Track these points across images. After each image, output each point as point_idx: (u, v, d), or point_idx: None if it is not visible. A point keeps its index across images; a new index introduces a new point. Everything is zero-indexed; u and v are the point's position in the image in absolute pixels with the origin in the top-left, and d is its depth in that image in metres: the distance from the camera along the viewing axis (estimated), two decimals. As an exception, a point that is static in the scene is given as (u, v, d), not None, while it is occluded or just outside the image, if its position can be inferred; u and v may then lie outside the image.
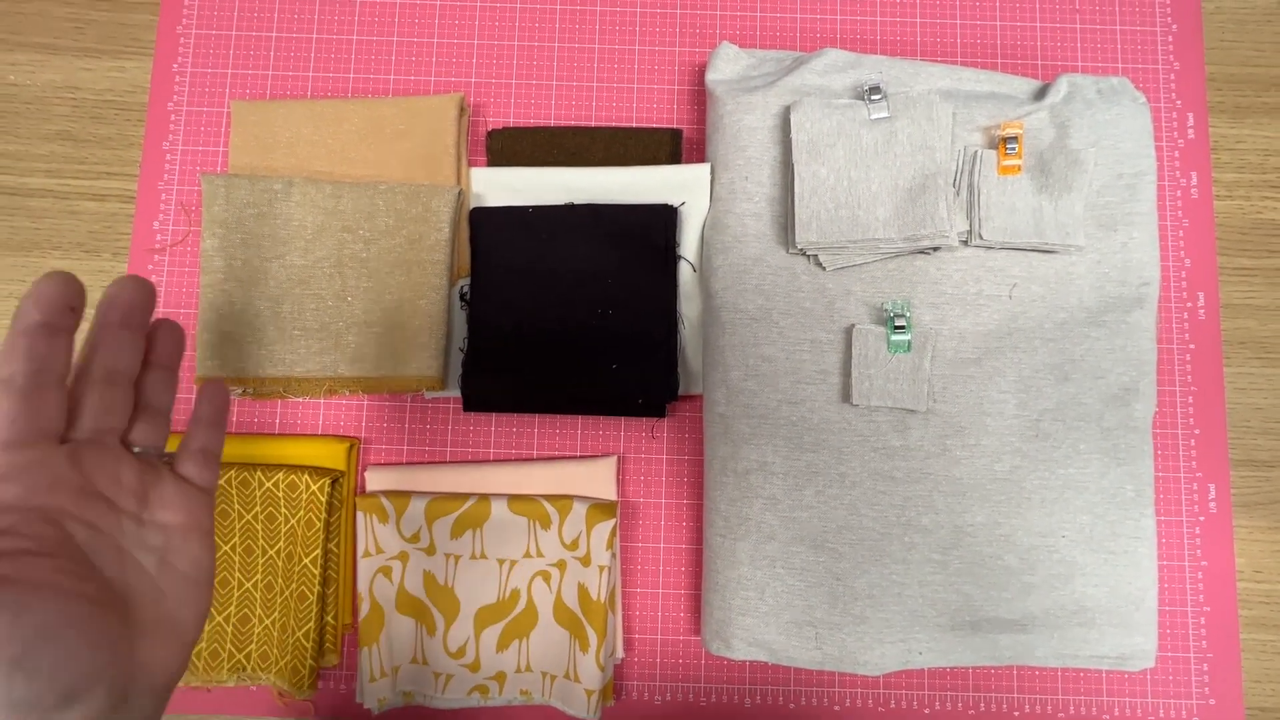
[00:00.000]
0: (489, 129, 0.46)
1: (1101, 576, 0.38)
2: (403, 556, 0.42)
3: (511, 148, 0.46)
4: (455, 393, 0.44)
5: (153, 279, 0.46)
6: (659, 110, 0.47)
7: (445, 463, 0.44)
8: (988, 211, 0.40)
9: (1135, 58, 0.48)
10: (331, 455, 0.43)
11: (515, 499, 0.42)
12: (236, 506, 0.42)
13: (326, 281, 0.44)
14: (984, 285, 0.40)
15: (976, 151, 0.40)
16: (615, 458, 0.44)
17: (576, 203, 0.44)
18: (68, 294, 0.21)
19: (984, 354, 0.40)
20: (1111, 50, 0.48)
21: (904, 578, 0.38)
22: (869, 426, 0.39)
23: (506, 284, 0.44)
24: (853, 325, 0.40)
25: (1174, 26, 0.48)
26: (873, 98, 0.41)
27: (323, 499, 0.41)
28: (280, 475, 0.41)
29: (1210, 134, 0.47)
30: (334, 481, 0.42)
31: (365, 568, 0.41)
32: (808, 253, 0.41)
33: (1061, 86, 0.42)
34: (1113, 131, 0.41)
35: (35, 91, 0.48)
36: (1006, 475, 0.39)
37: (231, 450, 0.43)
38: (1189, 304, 0.45)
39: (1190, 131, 0.47)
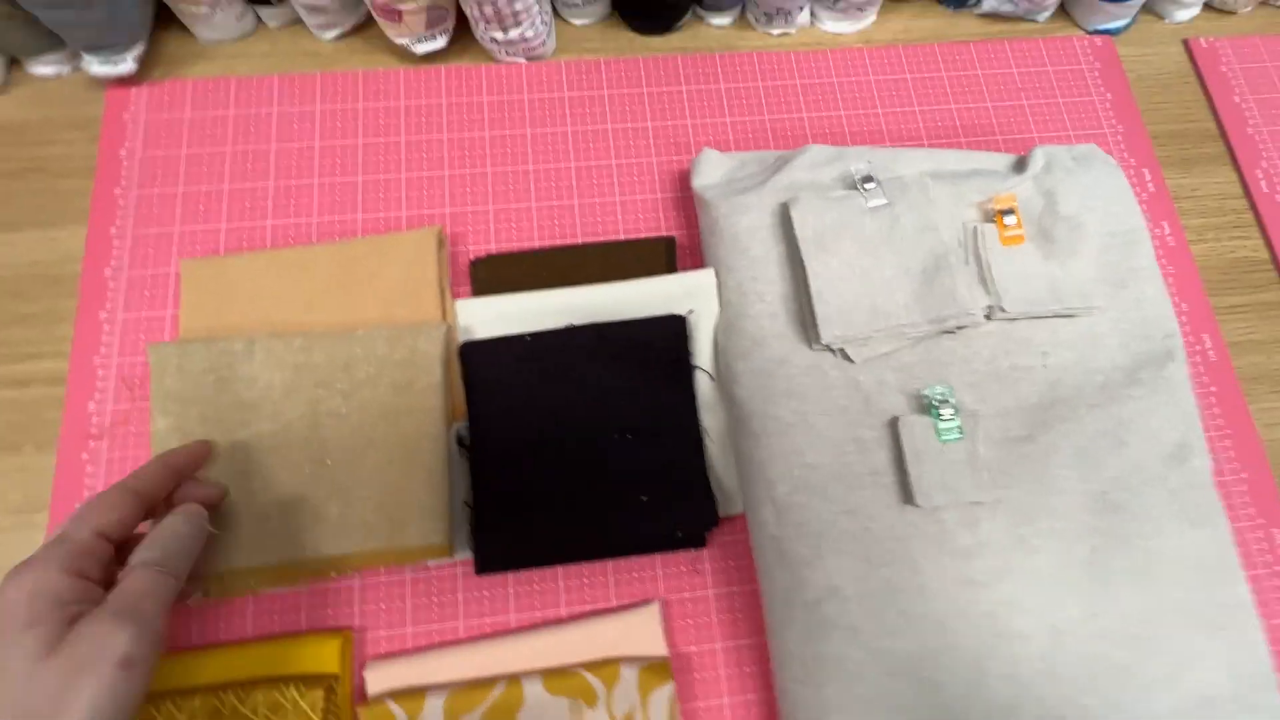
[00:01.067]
0: (471, 258, 0.42)
1: (1216, 657, 0.33)
2: (422, 779, 0.33)
3: (498, 275, 0.41)
4: (464, 555, 0.37)
5: (88, 470, 0.37)
6: (645, 220, 0.44)
7: (460, 642, 0.36)
8: (1004, 284, 0.38)
9: (1082, 124, 0.49)
10: (320, 655, 0.34)
11: (551, 675, 0.34)
12: None
13: (301, 447, 0.37)
14: (1016, 358, 0.37)
15: (976, 227, 0.39)
16: (657, 604, 0.37)
17: (576, 324, 0.39)
18: (198, 463, 0.35)
19: (1034, 429, 0.36)
20: (1059, 120, 0.49)
21: (1017, 698, 0.32)
22: (936, 527, 0.34)
23: (509, 422, 0.38)
24: (896, 418, 0.35)
25: (1108, 95, 0.50)
26: (866, 186, 0.39)
27: (316, 718, 0.32)
28: (259, 695, 0.32)
29: (1168, 185, 0.47)
30: (328, 691, 0.33)
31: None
32: (832, 347, 0.37)
33: (1039, 158, 0.41)
34: (1099, 193, 0.40)
35: None
36: (1089, 558, 0.34)
37: (193, 672, 0.34)
38: (1197, 347, 0.44)
39: (1150, 185, 0.48)
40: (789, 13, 0.48)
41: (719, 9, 0.49)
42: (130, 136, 0.44)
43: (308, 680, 0.33)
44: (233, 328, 0.39)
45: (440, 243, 0.42)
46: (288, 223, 0.43)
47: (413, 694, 0.33)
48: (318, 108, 0.45)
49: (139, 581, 0.26)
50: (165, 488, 0.31)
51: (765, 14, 0.49)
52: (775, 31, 0.50)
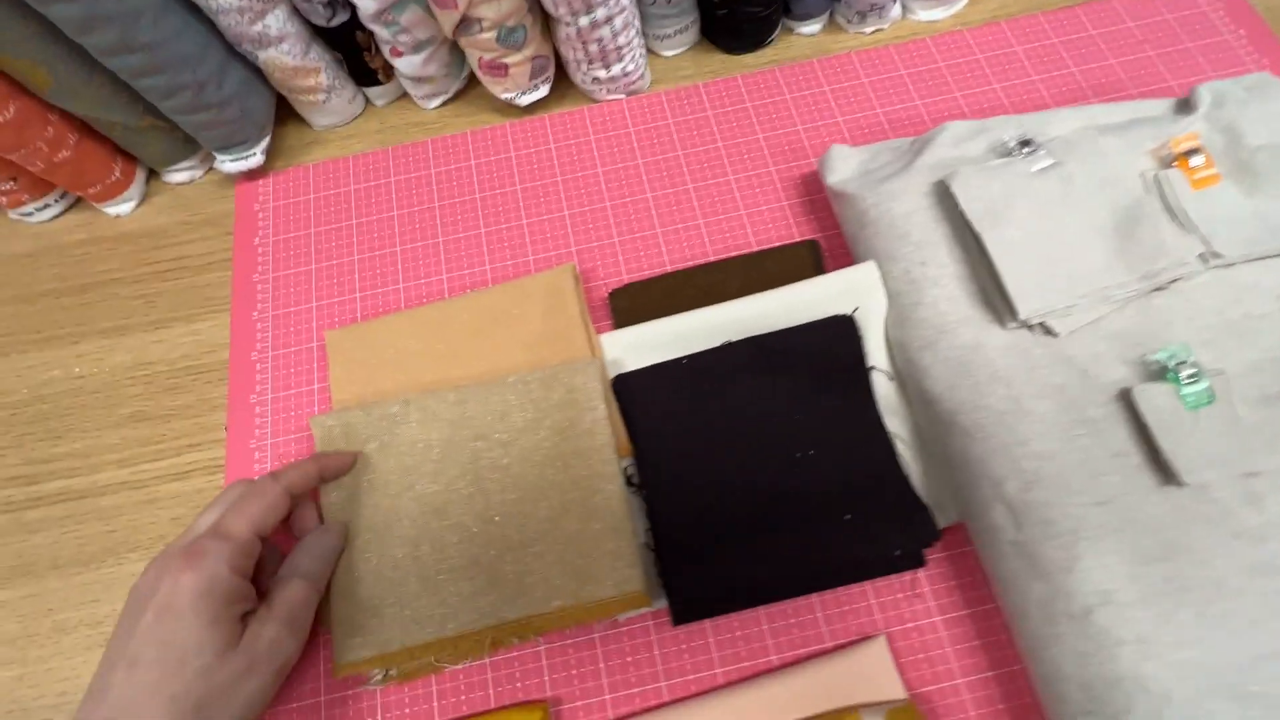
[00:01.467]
0: (608, 291, 0.39)
1: None
2: None
3: (639, 303, 0.39)
4: (651, 606, 0.33)
5: None
6: (775, 229, 0.42)
7: (671, 705, 0.31)
8: (1209, 228, 0.33)
9: (1222, 64, 0.45)
10: None
11: None
12: None
13: (466, 504, 0.34)
14: (1247, 305, 0.32)
15: (1158, 174, 0.34)
16: (884, 638, 0.32)
17: (733, 340, 0.36)
18: (344, 471, 0.35)
19: None
20: (1195, 64, 0.45)
21: None
22: (1213, 508, 0.28)
23: (679, 453, 0.35)
24: (1128, 390, 0.30)
25: (1241, 32, 0.46)
26: (1026, 151, 0.35)
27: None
28: None
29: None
30: None
31: None
32: (1030, 323, 0.32)
33: (1204, 95, 0.37)
34: (1290, 118, 0.35)
35: (102, 379, 0.40)
36: None
37: None
38: None
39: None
40: (881, 7, 0.47)
41: (808, 16, 0.48)
42: (261, 225, 0.44)
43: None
44: (382, 392, 0.38)
45: (576, 279, 0.40)
46: (418, 284, 0.42)
47: (635, 770, 0.29)
48: (432, 171, 0.45)
49: (300, 594, 0.29)
50: (309, 490, 0.33)
51: (858, 13, 0.47)
52: (869, 29, 0.48)
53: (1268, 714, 0.26)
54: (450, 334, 0.39)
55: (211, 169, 0.47)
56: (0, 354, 0.42)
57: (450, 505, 0.35)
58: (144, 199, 0.46)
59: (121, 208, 0.45)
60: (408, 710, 0.33)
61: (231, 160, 0.44)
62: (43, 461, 0.39)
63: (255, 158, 0.44)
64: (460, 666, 0.33)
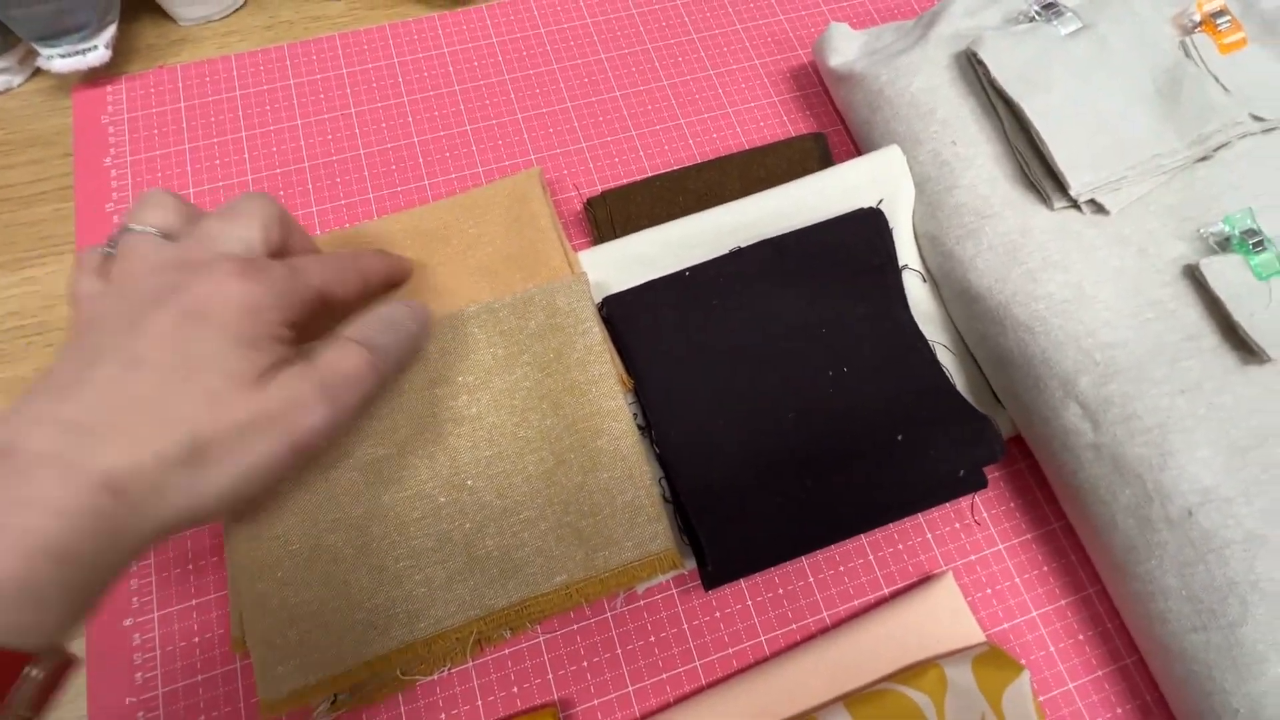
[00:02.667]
0: (585, 200, 0.32)
1: None
2: None
3: (622, 212, 0.32)
4: (680, 569, 0.26)
5: (131, 580, 0.25)
6: (768, 127, 0.35)
7: (711, 688, 0.25)
8: (1245, 92, 0.30)
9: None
10: None
11: (856, 702, 0.23)
12: None
13: (428, 468, 0.26)
14: (1290, 172, 0.29)
15: (1184, 40, 0.31)
16: (949, 573, 0.26)
17: (742, 246, 0.30)
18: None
19: None
20: None
21: None
22: None
23: (689, 382, 0.28)
24: (1194, 266, 0.26)
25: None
26: (1053, 13, 0.31)
27: None
28: None
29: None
30: None
31: None
32: (1081, 201, 0.28)
33: None
34: (1300, -20, 0.32)
35: None
36: None
37: None
38: None
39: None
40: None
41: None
42: (114, 142, 0.33)
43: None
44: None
45: (543, 186, 0.32)
46: (337, 205, 0.33)
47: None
48: (344, 71, 0.36)
49: (350, 363, 0.21)
50: (368, 292, 0.25)
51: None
52: (843, -85, 0.42)
53: None
54: (386, 260, 0.30)
55: (37, 71, 0.34)
56: None
57: (406, 473, 0.26)
58: (-64, 113, 0.34)
59: (-98, 124, 0.33)
60: (370, 741, 0.24)
61: (62, 56, 0.32)
62: None
63: (96, 52, 0.33)
64: (436, 677, 0.25)
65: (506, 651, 0.26)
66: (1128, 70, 0.30)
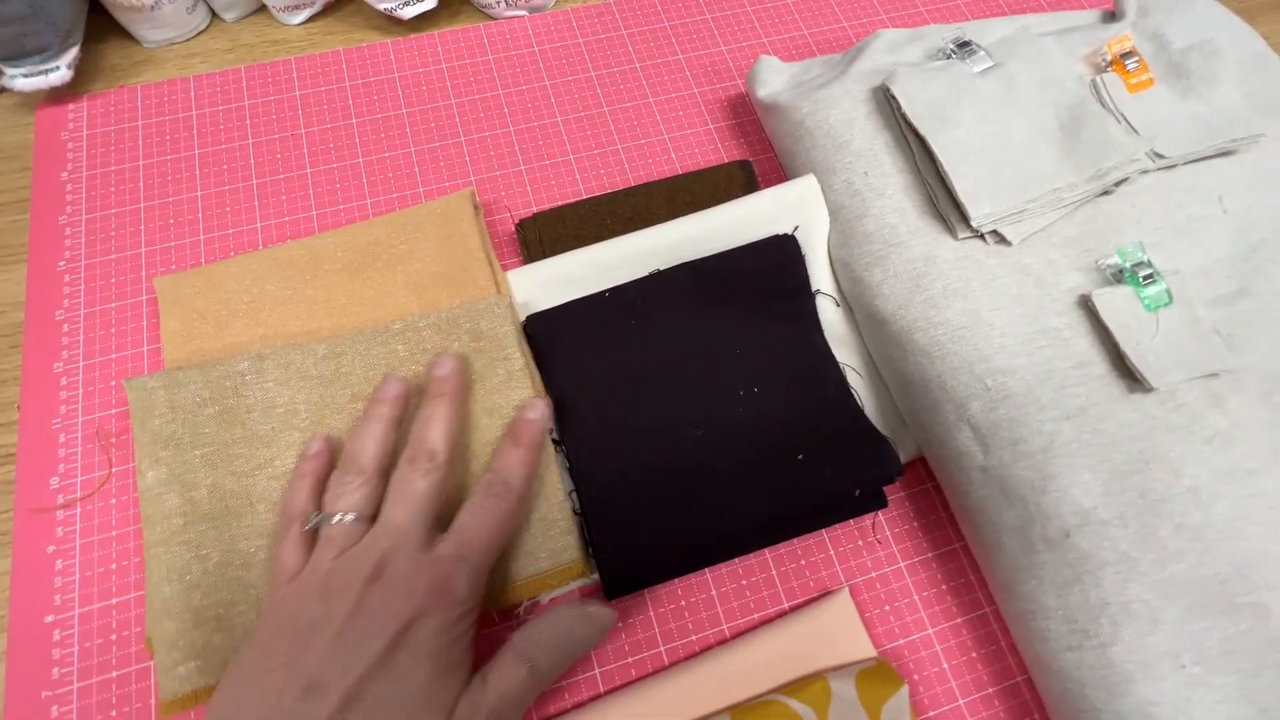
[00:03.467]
0: (516, 221, 0.33)
1: None
2: None
3: (551, 233, 0.33)
4: (581, 581, 0.27)
5: (57, 567, 0.27)
6: (702, 154, 0.37)
7: (607, 696, 0.25)
8: (1148, 130, 0.31)
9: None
10: None
11: (742, 713, 0.24)
12: None
13: (345, 478, 0.27)
14: (1189, 208, 0.30)
15: (1094, 79, 0.32)
16: (845, 590, 0.27)
17: (661, 269, 0.31)
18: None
19: (1244, 281, 0.29)
20: None
21: None
22: (1181, 414, 0.26)
23: (603, 400, 0.29)
24: (1087, 296, 0.28)
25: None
26: (967, 52, 0.32)
27: None
28: None
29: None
30: None
31: None
32: (983, 231, 0.29)
33: (1130, 5, 0.36)
34: (1210, 24, 0.34)
35: None
36: None
37: None
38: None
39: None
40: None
41: (727, -68, 0.43)
42: (71, 157, 0.35)
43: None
44: (234, 349, 0.30)
45: (476, 206, 0.33)
46: (280, 222, 0.34)
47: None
48: (297, 94, 0.38)
49: (516, 689, 0.23)
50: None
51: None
52: (789, -50, 0.44)
53: (1258, 624, 0.23)
54: (322, 276, 0.31)
55: (2, 90, 0.36)
56: None
57: (324, 481, 0.27)
58: (-96, 127, 0.36)
59: None
60: (273, 741, 0.25)
61: (25, 75, 0.34)
62: None
63: (58, 72, 0.34)
64: (342, 678, 0.26)
65: (412, 656, 0.27)
66: (1033, 107, 0.32)
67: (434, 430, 0.25)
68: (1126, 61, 0.33)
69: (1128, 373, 0.27)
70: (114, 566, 0.28)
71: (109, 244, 0.34)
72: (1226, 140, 0.31)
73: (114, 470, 0.29)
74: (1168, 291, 0.28)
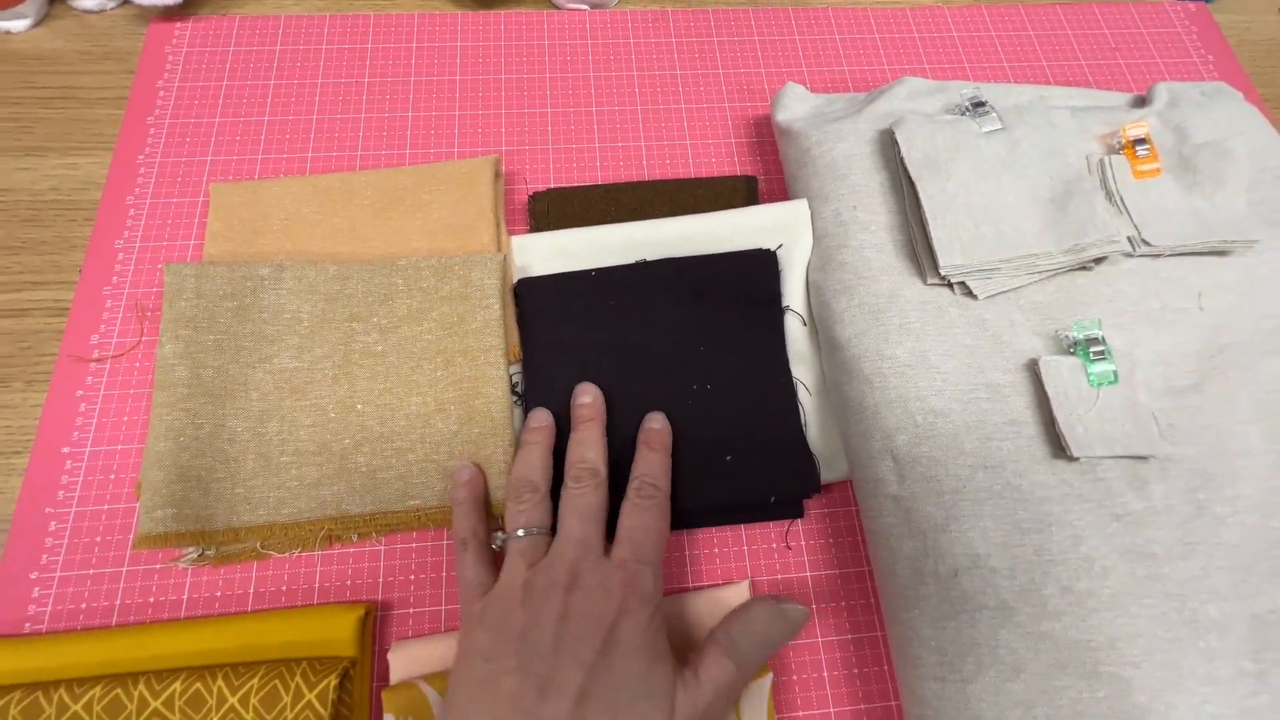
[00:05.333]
0: (531, 193, 0.37)
1: None
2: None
3: (559, 209, 0.36)
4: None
5: (80, 409, 0.31)
6: (718, 164, 0.39)
7: None
8: (1141, 216, 0.32)
9: (1187, 84, 0.44)
10: (334, 632, 0.27)
11: None
12: None
13: (329, 387, 0.31)
14: (1166, 298, 0.31)
15: (1103, 159, 0.33)
16: (747, 583, 0.29)
17: (649, 259, 0.34)
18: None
19: (1201, 378, 0.29)
20: (1161, 80, 0.44)
21: (1224, 705, 0.24)
22: (1096, 488, 0.27)
23: (570, 367, 0.32)
24: (1035, 359, 0.29)
25: (1210, 58, 0.46)
26: (979, 112, 0.34)
27: (325, 712, 0.24)
28: (253, 683, 0.25)
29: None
30: (343, 677, 0.26)
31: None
32: (952, 281, 0.31)
33: (1161, 93, 0.36)
34: (1237, 126, 0.35)
35: None
36: None
37: (176, 646, 0.26)
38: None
39: (1272, 143, 0.42)
40: (866, -33, 0.45)
41: (792, -37, 0.46)
42: (169, 68, 0.40)
43: (318, 666, 0.26)
44: (262, 256, 0.34)
45: (497, 174, 0.37)
46: (329, 155, 0.39)
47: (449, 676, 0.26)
48: (369, 46, 0.42)
49: (725, 680, 0.25)
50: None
51: (842, -33, 0.45)
52: (850, -11, 0.46)
53: (1116, 695, 0.24)
54: (351, 208, 0.36)
55: (127, 1, 0.42)
56: None
57: (310, 386, 0.32)
58: (43, 20, 0.42)
59: (13, 24, 0.41)
60: (219, 594, 0.29)
61: (146, -8, 0.40)
62: None
63: (174, -6, 0.40)
64: (287, 556, 0.30)
65: (350, 551, 0.31)
66: (1030, 175, 0.33)
67: (590, 450, 0.28)
68: (1138, 148, 0.34)
69: (1055, 438, 0.29)
70: (126, 419, 0.32)
71: (182, 148, 0.39)
72: (1218, 240, 0.32)
73: (144, 339, 0.34)
74: (1114, 372, 0.29)
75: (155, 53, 0.41)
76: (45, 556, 0.29)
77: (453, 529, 0.27)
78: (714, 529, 0.31)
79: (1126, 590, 0.26)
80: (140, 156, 0.38)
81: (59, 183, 0.38)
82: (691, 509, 0.30)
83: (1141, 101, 0.38)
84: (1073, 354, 0.30)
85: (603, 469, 0.27)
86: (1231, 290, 0.32)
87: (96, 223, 0.36)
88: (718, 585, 0.30)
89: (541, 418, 0.30)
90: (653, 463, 0.28)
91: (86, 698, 0.25)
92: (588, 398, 0.30)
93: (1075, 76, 0.44)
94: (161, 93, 0.40)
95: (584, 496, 0.26)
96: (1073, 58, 0.45)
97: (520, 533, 0.26)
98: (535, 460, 0.28)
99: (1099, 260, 0.32)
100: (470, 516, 0.27)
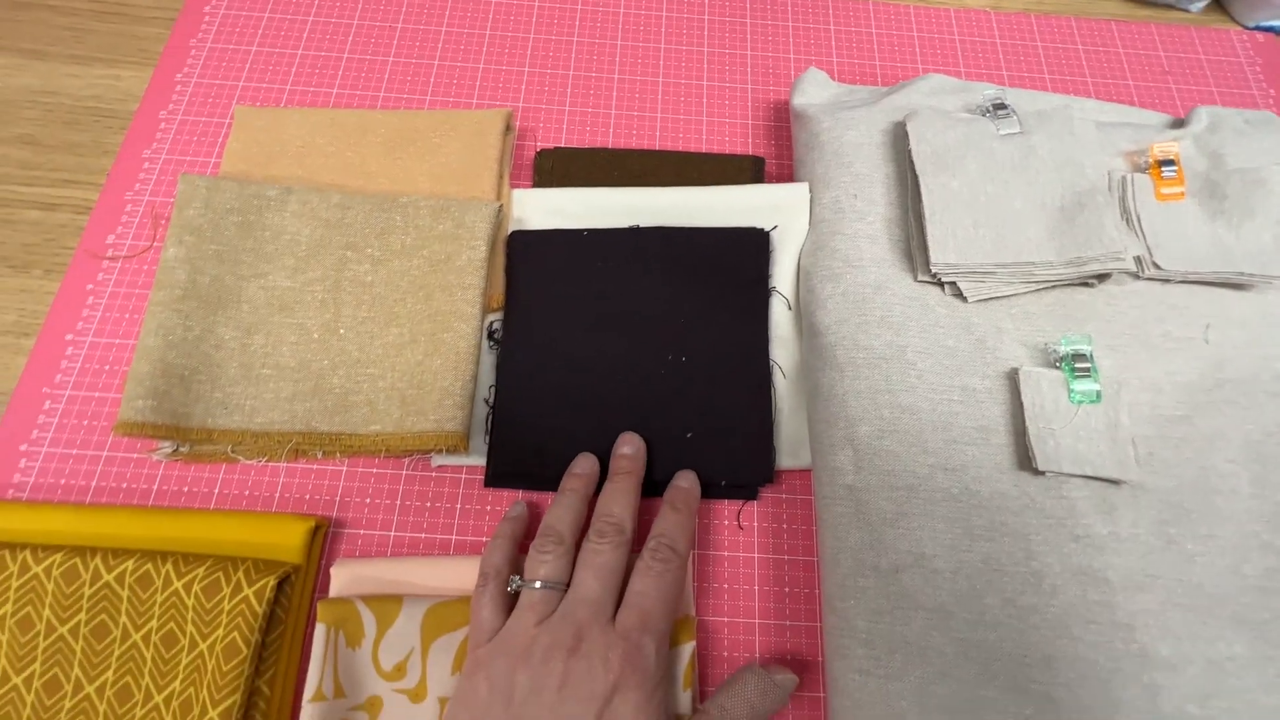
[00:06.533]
0: (539, 149, 0.37)
1: None
2: (373, 705, 0.25)
3: (564, 169, 0.37)
4: (471, 461, 0.30)
5: (88, 301, 0.33)
6: (732, 142, 0.39)
7: (449, 556, 0.29)
8: (1156, 239, 0.30)
9: (1240, 115, 0.41)
10: (284, 539, 0.28)
11: None
12: (123, 620, 0.26)
13: (316, 309, 0.32)
14: (1169, 325, 0.30)
15: (1126, 176, 0.32)
16: (689, 555, 0.29)
17: (642, 225, 0.34)
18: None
19: (1193, 411, 0.28)
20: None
21: None
22: (1060, 505, 0.26)
23: (550, 323, 0.32)
24: (1017, 369, 0.28)
25: (1271, 93, 0.43)
26: (999, 113, 0.33)
27: (259, 609, 0.25)
28: (199, 571, 0.26)
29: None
30: (282, 581, 0.27)
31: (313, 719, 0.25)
32: (943, 279, 0.30)
33: (1202, 117, 0.35)
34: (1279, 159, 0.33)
35: (4, 94, 0.38)
36: (1261, 582, 0.25)
37: (135, 528, 0.28)
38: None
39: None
40: (914, -37, 0.44)
41: (838, -48, 0.45)
42: (217, -5, 0.42)
43: (261, 566, 0.27)
44: (273, 179, 0.35)
45: (508, 127, 0.37)
46: (354, 93, 0.40)
47: (387, 600, 0.27)
48: (407, -5, 0.43)
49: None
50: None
51: (888, -39, 0.44)
52: (895, -15, 0.45)
53: (1042, 712, 0.23)
54: (363, 144, 0.37)
55: (187, -71, 0.44)
56: (-90, 41, 0.40)
57: (299, 305, 0.33)
58: (109, -61, 0.44)
59: (83, -60, 0.43)
60: (186, 489, 0.31)
61: (206, -80, 0.41)
62: (-87, 153, 0.37)
63: (230, -76, 0.42)
64: (254, 463, 0.31)
65: (314, 466, 0.32)
66: (1041, 182, 0.32)
67: (620, 505, 0.27)
68: (1164, 169, 0.33)
69: (1024, 450, 0.28)
70: (128, 317, 0.34)
71: (218, 71, 0.40)
72: (1236, 272, 0.31)
73: (155, 245, 0.36)
74: (1098, 391, 0.28)
75: (207, -21, 0.43)
76: (36, 432, 0.31)
77: (482, 558, 0.27)
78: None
79: (1073, 611, 0.25)
80: (179, 75, 0.40)
81: (102, 91, 0.40)
82: (651, 476, 0.30)
83: (1180, 124, 0.36)
84: (1057, 367, 0.29)
85: (629, 526, 0.26)
86: (1242, 326, 0.31)
87: (129, 132, 0.38)
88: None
89: (585, 465, 0.29)
90: (674, 524, 0.27)
91: (47, 562, 0.27)
92: (629, 449, 0.29)
93: (1120, 96, 0.43)
94: (207, 16, 0.42)
95: (603, 554, 0.25)
96: (1120, 76, 0.44)
97: (537, 584, 0.25)
98: (567, 511, 0.27)
99: (1102, 277, 0.31)
100: (500, 551, 0.26)
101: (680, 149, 0.39)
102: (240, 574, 0.27)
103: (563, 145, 0.39)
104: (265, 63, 0.41)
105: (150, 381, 0.30)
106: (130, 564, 0.27)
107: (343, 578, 0.28)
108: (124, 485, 0.30)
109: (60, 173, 0.37)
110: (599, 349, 0.32)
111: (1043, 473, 0.27)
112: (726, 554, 0.31)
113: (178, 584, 0.26)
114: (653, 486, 0.31)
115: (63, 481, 0.30)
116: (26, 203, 0.37)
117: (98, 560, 0.27)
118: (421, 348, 0.31)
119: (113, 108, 0.39)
